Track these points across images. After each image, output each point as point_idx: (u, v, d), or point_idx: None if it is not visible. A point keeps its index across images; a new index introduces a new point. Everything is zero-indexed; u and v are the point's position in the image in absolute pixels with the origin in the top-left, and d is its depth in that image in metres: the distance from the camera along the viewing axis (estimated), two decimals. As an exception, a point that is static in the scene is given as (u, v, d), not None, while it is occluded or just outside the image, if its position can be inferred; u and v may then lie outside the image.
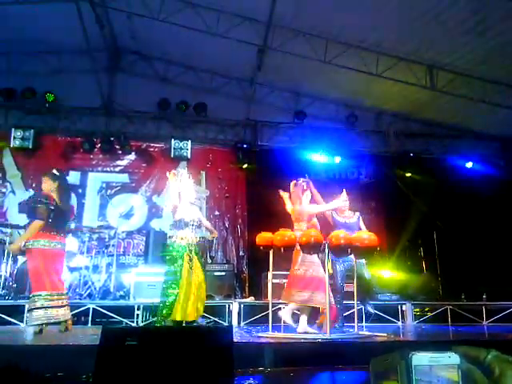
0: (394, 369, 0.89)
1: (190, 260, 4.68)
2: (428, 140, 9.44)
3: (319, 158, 9.03)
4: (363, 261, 4.77)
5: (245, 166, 8.87)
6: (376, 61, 7.36)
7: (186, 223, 4.81)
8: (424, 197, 8.58)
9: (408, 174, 8.99)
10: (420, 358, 0.85)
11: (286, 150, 9.10)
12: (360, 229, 5.20)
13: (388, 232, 6.56)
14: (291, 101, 9.19)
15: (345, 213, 5.28)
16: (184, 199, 4.86)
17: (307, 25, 7.06)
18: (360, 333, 4.36)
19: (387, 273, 6.31)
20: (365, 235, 4.06)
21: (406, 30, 6.80)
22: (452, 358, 0.85)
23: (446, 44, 6.95)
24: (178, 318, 4.45)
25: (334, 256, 4.38)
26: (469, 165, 9.13)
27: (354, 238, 4.01)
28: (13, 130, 8.11)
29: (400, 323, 6.40)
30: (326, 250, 3.97)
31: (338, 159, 9.10)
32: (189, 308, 4.49)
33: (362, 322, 4.93)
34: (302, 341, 3.88)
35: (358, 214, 5.31)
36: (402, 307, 6.59)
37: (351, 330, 4.58)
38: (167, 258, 4.75)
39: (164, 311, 4.48)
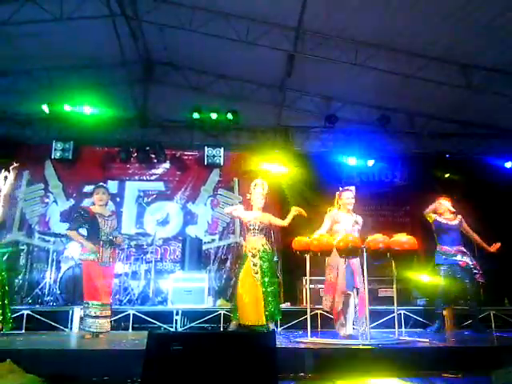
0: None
1: (254, 265, 4.90)
2: (464, 140, 9.19)
3: (352, 161, 8.96)
4: None
5: (277, 170, 8.88)
6: (408, 61, 7.26)
7: (250, 229, 5.10)
8: (462, 198, 8.34)
9: (446, 175, 8.78)
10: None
11: (319, 155, 9.09)
12: (465, 231, 5.35)
13: (425, 236, 6.41)
14: (322, 105, 9.15)
15: (445, 214, 5.32)
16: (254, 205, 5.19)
17: (337, 28, 7.04)
18: (400, 338, 4.30)
19: (426, 277, 6.17)
20: (404, 239, 3.99)
21: (438, 28, 6.66)
22: None
23: (479, 41, 6.78)
24: (244, 323, 4.82)
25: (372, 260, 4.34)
26: (508, 165, 8.85)
27: (393, 242, 3.95)
28: (54, 142, 8.45)
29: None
30: (365, 255, 3.94)
31: (371, 162, 9.00)
32: (254, 312, 4.79)
33: (402, 328, 4.86)
34: (342, 346, 3.85)
35: (459, 216, 5.39)
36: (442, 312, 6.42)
37: (391, 336, 4.51)
38: (239, 264, 5.22)
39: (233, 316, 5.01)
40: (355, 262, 4.50)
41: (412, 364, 3.48)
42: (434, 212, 5.57)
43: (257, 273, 4.85)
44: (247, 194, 5.42)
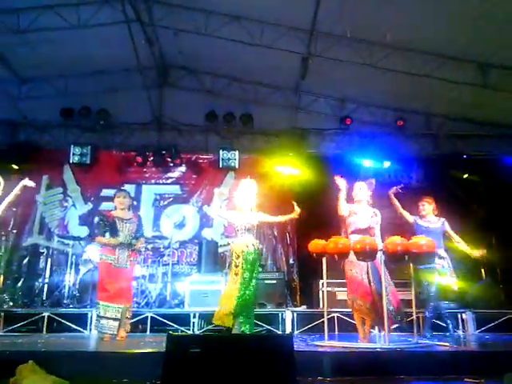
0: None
1: (236, 266, 4.72)
2: (482, 140, 9.05)
3: (367, 163, 8.90)
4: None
5: (291, 173, 8.89)
6: (423, 61, 7.19)
7: (237, 230, 4.91)
8: (480, 199, 8.23)
9: (465, 176, 8.66)
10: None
11: (333, 157, 9.06)
12: (446, 234, 5.12)
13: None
14: (336, 107, 9.12)
15: (427, 217, 5.19)
16: (241, 207, 5.00)
17: (350, 29, 7.00)
18: (420, 342, 4.25)
19: (445, 280, 6.08)
20: (422, 241, 3.95)
21: (455, 27, 6.57)
22: None
23: (497, 40, 6.67)
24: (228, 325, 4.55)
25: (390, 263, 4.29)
26: (527, 165, 8.68)
27: (412, 244, 3.91)
28: (72, 146, 8.60)
29: (461, 332, 6.15)
30: (382, 258, 3.90)
31: (387, 164, 8.93)
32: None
33: (421, 331, 4.80)
34: (360, 350, 3.83)
35: (442, 219, 5.20)
36: (461, 315, 6.34)
37: (410, 339, 4.46)
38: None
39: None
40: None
41: (432, 368, 3.44)
42: (416, 214, 5.37)
43: (236, 274, 4.65)
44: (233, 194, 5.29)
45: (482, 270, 7.80)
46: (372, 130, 9.10)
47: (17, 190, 5.08)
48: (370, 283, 4.28)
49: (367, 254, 4.00)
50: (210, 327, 6.15)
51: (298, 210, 4.95)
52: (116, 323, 4.81)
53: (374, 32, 6.97)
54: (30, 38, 7.12)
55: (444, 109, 8.59)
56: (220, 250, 8.26)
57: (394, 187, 5.21)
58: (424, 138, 9.19)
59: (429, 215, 5.23)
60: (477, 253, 5.11)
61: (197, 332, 6.03)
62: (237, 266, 4.69)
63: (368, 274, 4.30)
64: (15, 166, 8.39)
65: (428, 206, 5.27)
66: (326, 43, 7.16)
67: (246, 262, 4.67)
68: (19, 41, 7.15)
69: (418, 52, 7.14)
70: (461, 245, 5.14)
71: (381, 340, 4.06)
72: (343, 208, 4.55)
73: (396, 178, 9.09)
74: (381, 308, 4.09)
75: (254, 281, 4.67)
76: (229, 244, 8.68)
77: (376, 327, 4.55)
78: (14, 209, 8.43)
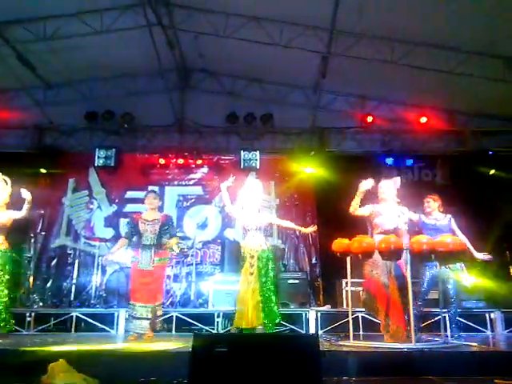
0: None
1: (251, 266, 4.76)
2: (508, 136, 8.83)
3: (390, 161, 8.80)
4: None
5: (312, 173, 8.87)
6: (447, 57, 7.07)
7: (249, 230, 4.92)
8: (507, 196, 8.02)
9: (491, 172, 8.45)
10: None
11: (355, 155, 9.00)
12: (453, 231, 4.97)
13: (471, 236, 6.17)
14: (357, 105, 9.05)
15: (433, 214, 5.10)
16: (247, 206, 4.98)
17: (371, 27, 6.95)
18: (447, 341, 4.18)
19: (472, 279, 5.97)
20: (449, 239, 3.88)
21: (479, 22, 6.45)
22: None
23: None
24: (239, 325, 4.63)
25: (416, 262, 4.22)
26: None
27: (438, 243, 3.85)
28: (96, 150, 8.79)
29: (489, 332, 6.03)
30: (408, 257, 3.86)
31: (410, 161, 8.81)
32: (248, 314, 4.58)
33: (448, 331, 4.72)
34: (387, 350, 3.80)
35: (449, 215, 5.08)
36: (490, 315, 6.22)
37: (437, 339, 4.40)
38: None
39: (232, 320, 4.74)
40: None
41: (460, 368, 3.39)
42: (421, 211, 5.25)
43: (252, 274, 4.68)
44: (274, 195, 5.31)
45: (511, 269, 7.60)
46: (394, 127, 9.01)
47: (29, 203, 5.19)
48: (388, 286, 4.21)
49: (392, 253, 3.96)
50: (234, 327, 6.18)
51: (314, 228, 5.21)
52: (145, 322, 4.88)
53: (395, 29, 6.90)
54: (56, 44, 7.32)
55: (468, 105, 8.42)
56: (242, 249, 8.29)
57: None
58: (448, 135, 9.03)
59: (434, 212, 5.10)
60: (481, 255, 4.94)
61: (221, 331, 6.07)
62: (252, 266, 4.74)
63: (390, 275, 4.22)
64: (43, 170, 8.63)
65: (433, 203, 5.16)
66: (346, 41, 7.13)
67: (260, 262, 4.72)
68: (45, 48, 7.36)
69: (441, 48, 7.03)
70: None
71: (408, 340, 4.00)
72: (356, 207, 4.46)
73: (420, 176, 8.97)
74: (397, 311, 4.07)
75: (269, 279, 4.72)
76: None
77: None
78: (42, 211, 8.68)
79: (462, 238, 4.92)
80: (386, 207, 4.50)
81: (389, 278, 4.24)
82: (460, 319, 5.08)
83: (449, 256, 3.89)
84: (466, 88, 7.72)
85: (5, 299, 5.04)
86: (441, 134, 9.00)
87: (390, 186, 4.56)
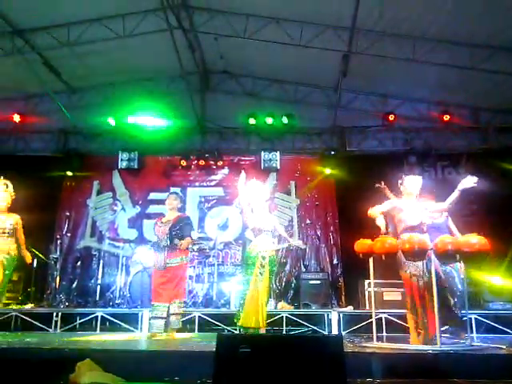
0: None
1: (262, 267, 4.79)
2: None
3: (412, 159, 8.67)
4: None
5: (333, 173, 8.82)
6: (470, 53, 6.94)
7: (260, 231, 4.95)
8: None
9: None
10: None
11: (377, 154, 8.91)
12: (449, 230, 4.94)
13: (495, 235, 6.02)
14: (379, 103, 8.96)
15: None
16: (257, 207, 5.01)
17: (392, 25, 6.88)
18: (473, 344, 4.10)
19: (498, 280, 5.84)
20: (474, 239, 3.79)
21: (503, 17, 6.31)
22: None
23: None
24: (247, 325, 4.66)
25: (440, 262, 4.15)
26: None
27: (463, 243, 3.77)
28: (120, 152, 8.94)
29: (517, 334, 5.89)
30: (432, 257, 3.80)
31: (433, 160, 8.66)
32: (258, 314, 4.65)
33: (473, 333, 4.63)
34: (411, 352, 3.75)
35: (445, 213, 5.00)
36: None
37: (463, 341, 4.32)
38: (244, 266, 4.97)
39: (236, 319, 4.74)
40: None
41: (486, 371, 3.32)
42: None
43: (261, 274, 4.74)
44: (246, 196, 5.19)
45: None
46: (417, 125, 8.89)
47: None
48: (422, 285, 4.13)
49: (416, 254, 3.90)
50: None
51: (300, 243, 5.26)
52: (162, 322, 4.95)
53: (417, 26, 6.81)
54: (80, 49, 7.49)
55: (492, 101, 8.25)
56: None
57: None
58: (472, 132, 8.86)
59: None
60: None
61: (243, 332, 6.09)
62: (263, 267, 4.78)
63: (423, 274, 4.13)
64: (69, 173, 8.84)
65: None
66: (367, 40, 7.07)
67: (270, 264, 4.82)
68: (69, 53, 7.54)
69: (463, 44, 6.90)
70: None
71: (432, 342, 3.94)
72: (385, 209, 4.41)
73: (444, 175, 8.81)
74: (427, 310, 4.01)
75: (270, 282, 4.90)
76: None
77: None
78: (68, 213, 8.89)
79: (459, 237, 4.84)
80: (409, 202, 4.38)
81: (423, 275, 4.14)
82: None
83: (474, 256, 3.81)
84: (491, 84, 7.57)
85: None
86: (464, 131, 8.83)
87: (416, 182, 4.46)
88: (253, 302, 4.67)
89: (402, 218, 4.32)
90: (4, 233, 5.23)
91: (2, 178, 5.49)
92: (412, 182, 4.45)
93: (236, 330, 6.09)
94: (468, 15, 6.35)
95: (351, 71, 7.80)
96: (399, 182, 4.54)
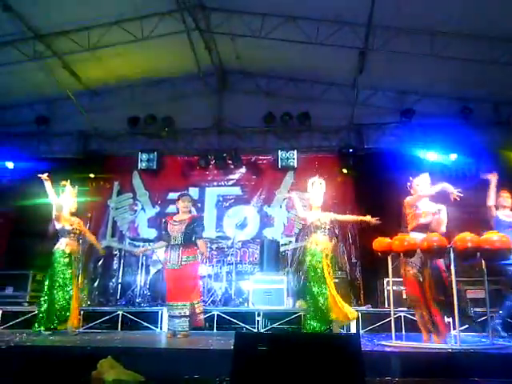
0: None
1: (328, 265, 4.97)
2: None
3: (432, 156, 8.55)
4: None
5: (350, 170, 8.77)
6: (490, 47, 6.80)
7: (317, 227, 5.07)
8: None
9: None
10: None
11: (395, 151, 8.81)
12: None
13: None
14: (396, 100, 8.87)
15: (506, 211, 4.93)
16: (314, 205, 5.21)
17: (409, 20, 6.80)
18: (495, 343, 4.04)
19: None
20: (495, 237, 3.73)
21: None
22: None
23: None
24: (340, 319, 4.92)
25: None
26: None
27: (484, 241, 3.72)
28: (139, 153, 9.08)
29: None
30: (452, 255, 3.75)
31: (453, 156, 8.53)
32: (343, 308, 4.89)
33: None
34: (430, 350, 3.71)
35: None
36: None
37: (484, 340, 4.26)
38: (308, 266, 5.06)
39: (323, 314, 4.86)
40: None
41: (508, 371, 3.26)
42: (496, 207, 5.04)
43: (329, 272, 4.93)
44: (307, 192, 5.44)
45: None
46: (436, 121, 8.75)
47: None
48: (423, 284, 4.10)
49: (435, 252, 3.86)
50: (274, 325, 6.23)
51: (370, 219, 5.12)
52: (179, 320, 4.95)
53: (434, 20, 6.71)
54: (99, 52, 7.64)
55: (514, 96, 8.07)
56: (281, 249, 8.33)
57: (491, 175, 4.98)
58: (493, 128, 8.66)
59: (507, 209, 4.94)
60: None
61: (261, 330, 6.12)
62: (329, 266, 4.96)
63: (425, 268, 4.11)
64: (91, 175, 9.00)
65: (507, 200, 4.98)
66: (384, 36, 7.01)
67: (331, 260, 5.01)
68: (89, 56, 7.69)
69: (482, 38, 6.77)
70: None
71: (451, 340, 3.90)
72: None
73: (463, 172, 8.66)
74: (430, 309, 3.97)
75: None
76: (290, 243, 8.76)
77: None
78: (89, 214, 9.05)
79: None
80: (423, 202, 4.37)
81: (423, 271, 4.12)
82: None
83: (495, 254, 3.75)
84: (511, 78, 7.39)
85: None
86: (486, 126, 8.66)
87: (426, 181, 4.42)
88: (334, 298, 4.88)
89: (414, 216, 4.32)
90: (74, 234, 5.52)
91: (68, 181, 5.70)
92: (423, 182, 4.43)
93: (254, 328, 6.17)
94: (485, 7, 6.23)
95: (368, 68, 7.73)
96: (408, 184, 4.54)
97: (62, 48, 7.47)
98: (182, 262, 5.04)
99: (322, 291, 4.88)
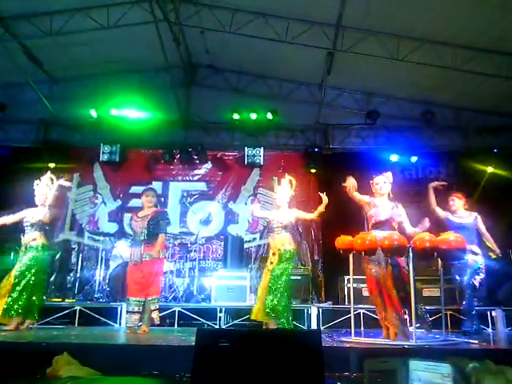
0: (392, 372, 0.98)
1: (271, 263, 4.92)
2: (513, 134, 8.80)
3: (394, 158, 8.79)
4: None
5: (316, 169, 8.88)
6: (453, 54, 7.04)
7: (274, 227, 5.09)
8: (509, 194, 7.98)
9: (492, 170, 8.41)
10: (417, 365, 0.95)
11: (359, 152, 8.98)
12: (478, 230, 5.01)
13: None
14: (363, 101, 9.05)
15: (458, 212, 5.09)
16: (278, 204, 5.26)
17: (377, 24, 6.95)
18: (448, 339, 4.19)
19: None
20: (451, 237, 3.88)
21: (487, 19, 6.43)
22: (446, 367, 0.92)
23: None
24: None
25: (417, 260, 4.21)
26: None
27: (440, 241, 3.85)
28: (101, 145, 8.82)
29: (490, 330, 6.04)
30: (411, 254, 3.86)
31: (414, 158, 8.80)
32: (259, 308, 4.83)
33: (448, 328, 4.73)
34: (388, 347, 3.81)
35: (475, 213, 5.10)
36: (491, 313, 6.21)
37: (438, 336, 4.41)
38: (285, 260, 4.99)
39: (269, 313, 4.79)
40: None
41: (461, 366, 3.40)
42: (447, 209, 5.23)
43: (269, 270, 4.87)
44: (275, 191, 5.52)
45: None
46: (399, 124, 8.99)
47: (54, 191, 5.31)
48: (382, 278, 4.19)
49: (396, 251, 3.96)
50: (236, 322, 6.23)
51: (325, 199, 5.05)
52: (136, 316, 4.92)
53: (402, 26, 6.88)
54: (62, 39, 7.35)
55: (474, 102, 8.40)
56: (245, 245, 8.34)
57: (436, 182, 5.16)
58: (454, 132, 9.01)
59: (459, 210, 5.15)
60: (492, 252, 4.99)
61: (223, 326, 6.11)
62: (271, 263, 4.88)
63: (385, 265, 4.21)
64: (51, 165, 8.65)
65: (458, 201, 5.18)
66: (352, 38, 7.12)
67: (280, 260, 4.84)
68: (52, 43, 7.39)
69: (447, 45, 7.01)
70: (488, 242, 5.03)
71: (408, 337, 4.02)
72: (362, 198, 4.51)
73: (424, 173, 8.95)
74: (393, 308, 4.08)
75: (284, 278, 4.81)
76: (254, 240, 8.78)
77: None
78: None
79: (487, 237, 5.02)
80: (382, 200, 4.49)
81: (384, 268, 4.21)
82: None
83: (451, 254, 3.90)
84: (473, 85, 7.71)
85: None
86: (446, 130, 8.97)
87: (385, 181, 4.53)
88: (261, 297, 4.87)
89: (373, 213, 4.42)
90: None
91: (49, 172, 5.58)
92: (382, 182, 4.53)
93: (216, 324, 6.14)
94: (453, 16, 6.45)
95: (336, 69, 7.85)
96: (370, 182, 4.63)
97: (23, 32, 7.15)
98: (143, 258, 4.97)
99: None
